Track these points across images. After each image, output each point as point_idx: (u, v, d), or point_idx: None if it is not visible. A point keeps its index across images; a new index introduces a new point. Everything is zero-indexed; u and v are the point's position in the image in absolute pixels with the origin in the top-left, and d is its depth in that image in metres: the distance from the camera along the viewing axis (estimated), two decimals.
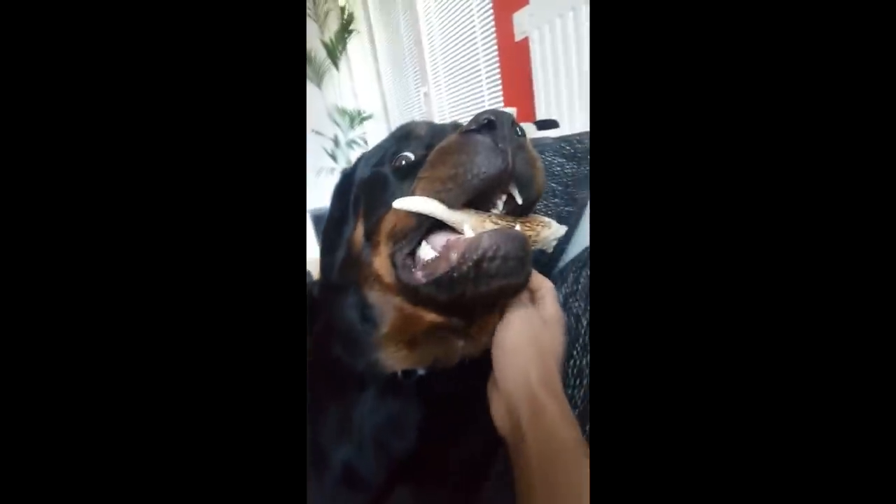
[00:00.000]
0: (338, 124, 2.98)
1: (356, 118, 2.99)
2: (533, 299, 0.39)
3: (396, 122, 2.94)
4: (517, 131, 0.36)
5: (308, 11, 2.81)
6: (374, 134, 2.99)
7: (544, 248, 0.39)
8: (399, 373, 0.41)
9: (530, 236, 0.37)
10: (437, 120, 2.23)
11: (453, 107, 2.10)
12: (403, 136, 0.46)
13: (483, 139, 0.35)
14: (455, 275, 0.34)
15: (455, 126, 1.24)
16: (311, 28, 2.85)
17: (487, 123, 0.35)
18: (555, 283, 0.71)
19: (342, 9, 2.86)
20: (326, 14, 2.87)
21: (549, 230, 0.39)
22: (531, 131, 1.02)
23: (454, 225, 0.36)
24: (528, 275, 0.37)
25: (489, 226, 0.35)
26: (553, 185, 0.76)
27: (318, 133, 2.89)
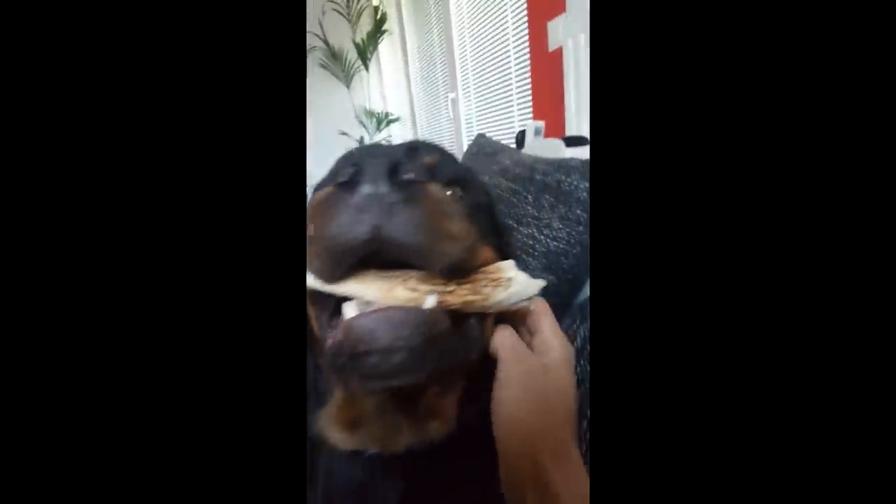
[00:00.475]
0: (365, 126, 2.97)
1: (383, 121, 2.97)
2: (527, 329, 0.33)
3: (423, 126, 2.91)
4: (404, 180, 0.26)
5: (341, 10, 2.81)
6: (400, 137, 2.97)
7: (513, 307, 0.31)
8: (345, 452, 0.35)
9: (469, 303, 0.28)
10: (464, 128, 2.20)
11: (481, 115, 2.04)
12: (346, 164, 0.36)
13: (341, 197, 0.26)
14: (339, 362, 0.27)
15: (480, 137, 1.18)
16: (343, 27, 2.85)
17: (351, 175, 0.26)
18: (574, 319, 0.65)
19: (376, 8, 2.85)
20: (360, 13, 2.86)
21: (506, 291, 0.29)
22: (559, 149, 0.95)
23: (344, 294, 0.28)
24: (446, 363, 0.29)
25: (398, 296, 0.27)
26: (579, 212, 0.70)
27: (344, 134, 2.88)
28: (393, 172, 0.26)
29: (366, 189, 0.25)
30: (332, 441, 0.34)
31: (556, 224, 0.72)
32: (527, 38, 1.45)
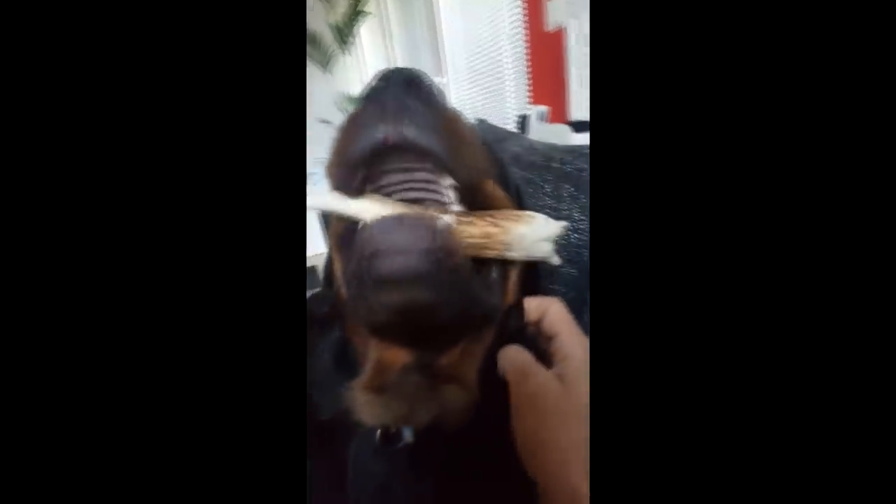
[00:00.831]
0: (345, 113, 2.87)
1: None
2: (545, 332, 0.30)
3: None
4: (424, 91, 0.29)
5: None
6: None
7: (534, 256, 0.30)
8: (378, 432, 0.34)
9: (490, 236, 0.28)
10: None
11: (473, 100, 1.98)
12: (373, 80, 0.39)
13: (368, 107, 0.29)
14: (354, 273, 0.27)
15: (481, 123, 1.13)
16: (319, 9, 2.72)
17: (375, 87, 0.29)
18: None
19: None
20: None
21: (524, 227, 0.29)
22: (566, 134, 0.91)
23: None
24: (463, 295, 0.28)
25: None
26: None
27: (324, 122, 2.78)
28: (413, 84, 0.28)
29: (389, 97, 0.28)
30: (358, 410, 0.33)
31: (576, 215, 0.68)
32: (522, 17, 1.40)
